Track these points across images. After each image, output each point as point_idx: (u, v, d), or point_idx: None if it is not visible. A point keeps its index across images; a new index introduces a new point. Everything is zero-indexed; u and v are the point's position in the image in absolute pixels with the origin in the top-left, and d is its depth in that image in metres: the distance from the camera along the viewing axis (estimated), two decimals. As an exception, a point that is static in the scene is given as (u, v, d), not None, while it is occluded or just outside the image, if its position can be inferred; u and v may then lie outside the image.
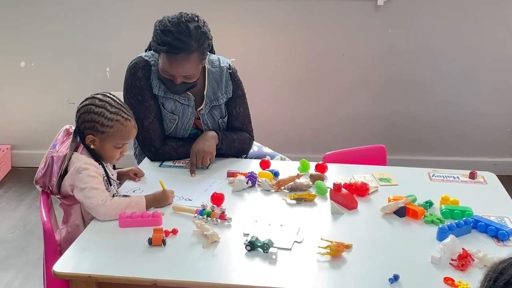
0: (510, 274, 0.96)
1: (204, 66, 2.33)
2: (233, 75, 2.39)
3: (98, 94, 1.93)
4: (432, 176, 2.18)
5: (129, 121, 1.93)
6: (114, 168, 2.05)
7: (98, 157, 1.93)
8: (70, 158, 1.89)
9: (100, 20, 3.64)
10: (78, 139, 1.94)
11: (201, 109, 2.35)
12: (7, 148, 3.88)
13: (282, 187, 2.04)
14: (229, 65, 2.41)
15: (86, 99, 1.93)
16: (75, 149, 1.93)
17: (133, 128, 1.95)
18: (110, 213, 1.80)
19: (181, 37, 2.12)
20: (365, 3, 3.51)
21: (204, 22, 2.21)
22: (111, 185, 1.96)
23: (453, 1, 3.47)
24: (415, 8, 3.50)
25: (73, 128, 1.96)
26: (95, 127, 1.88)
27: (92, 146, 1.91)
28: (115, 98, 1.94)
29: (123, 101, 2.01)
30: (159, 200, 1.91)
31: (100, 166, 1.91)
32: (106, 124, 1.88)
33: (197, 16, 2.20)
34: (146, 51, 2.38)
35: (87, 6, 3.61)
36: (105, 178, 1.93)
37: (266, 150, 2.58)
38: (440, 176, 2.18)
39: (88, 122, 1.89)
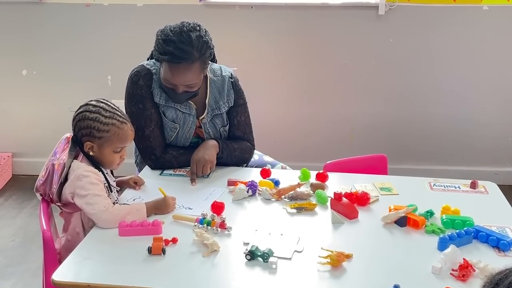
0: (506, 285, 0.96)
1: (206, 75, 2.33)
2: (235, 84, 2.40)
3: (91, 101, 1.95)
4: (433, 185, 2.17)
5: (125, 124, 1.93)
6: (112, 174, 2.05)
7: (98, 164, 1.93)
8: (70, 166, 1.89)
9: (102, 28, 3.66)
10: (78, 147, 1.94)
11: (203, 117, 2.35)
12: (8, 156, 3.88)
13: (283, 196, 2.04)
14: (231, 74, 2.41)
15: (80, 106, 1.94)
16: (75, 157, 1.93)
17: (130, 130, 1.96)
18: (112, 219, 1.80)
19: (183, 47, 2.12)
20: (366, 12, 3.52)
21: (205, 31, 2.21)
22: (111, 192, 1.96)
23: (454, 11, 3.48)
24: (416, 18, 3.51)
25: (73, 136, 1.97)
26: (91, 133, 1.89)
27: (91, 153, 1.91)
28: (109, 103, 1.95)
29: (119, 107, 2.01)
30: (160, 207, 1.91)
31: (100, 173, 1.92)
32: (102, 129, 1.88)
33: (199, 26, 2.20)
34: (148, 59, 2.39)
35: (89, 15, 3.62)
36: (106, 185, 1.93)
37: (267, 158, 2.58)
38: (441, 186, 2.17)
39: (84, 129, 1.89)
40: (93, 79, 3.74)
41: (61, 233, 2.01)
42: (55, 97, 3.80)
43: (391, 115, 3.71)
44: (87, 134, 1.89)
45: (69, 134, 2.01)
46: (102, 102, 1.94)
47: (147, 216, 1.86)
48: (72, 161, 1.91)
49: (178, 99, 2.26)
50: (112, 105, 1.95)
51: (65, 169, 1.88)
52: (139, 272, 1.59)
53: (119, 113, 1.94)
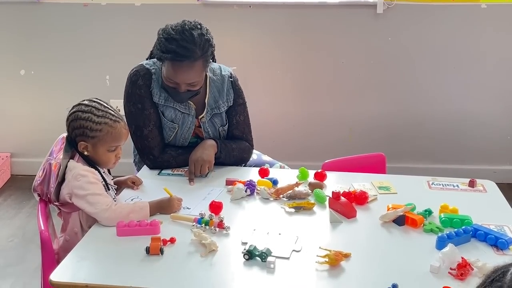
0: (507, 284, 0.96)
1: (206, 74, 2.33)
2: (234, 84, 2.39)
3: (84, 100, 1.94)
4: (432, 184, 2.17)
5: (118, 123, 1.93)
6: (109, 173, 2.05)
7: (93, 163, 1.93)
8: (67, 166, 1.89)
9: (100, 28, 3.65)
10: (73, 148, 1.93)
11: (202, 117, 2.35)
12: (7, 156, 3.88)
13: (281, 196, 2.04)
14: (231, 73, 2.41)
15: (73, 106, 1.94)
16: (72, 158, 1.92)
17: (124, 129, 1.95)
18: (115, 217, 1.80)
19: (185, 45, 2.12)
20: (364, 11, 3.52)
21: (207, 29, 2.21)
22: (109, 190, 1.95)
23: (453, 9, 3.48)
24: (415, 16, 3.51)
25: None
26: (85, 133, 1.88)
27: (85, 153, 1.91)
28: (101, 102, 1.95)
29: (117, 107, 2.00)
30: (164, 207, 1.90)
31: (97, 172, 1.91)
32: (95, 128, 1.88)
33: (200, 24, 2.20)
34: (147, 59, 2.38)
35: (87, 14, 3.62)
36: (103, 184, 1.92)
37: (266, 158, 2.57)
38: (440, 185, 2.17)
39: (78, 129, 1.89)
40: (92, 79, 3.73)
41: (59, 233, 2.00)
42: (53, 97, 3.79)
43: (389, 114, 3.71)
44: (81, 134, 1.89)
45: (66, 134, 2.00)
46: (94, 101, 1.93)
47: (150, 215, 1.86)
48: (69, 161, 1.90)
49: (179, 98, 2.26)
50: (104, 104, 1.95)
51: (62, 169, 1.88)
52: (137, 272, 1.58)
53: (111, 112, 1.93)
